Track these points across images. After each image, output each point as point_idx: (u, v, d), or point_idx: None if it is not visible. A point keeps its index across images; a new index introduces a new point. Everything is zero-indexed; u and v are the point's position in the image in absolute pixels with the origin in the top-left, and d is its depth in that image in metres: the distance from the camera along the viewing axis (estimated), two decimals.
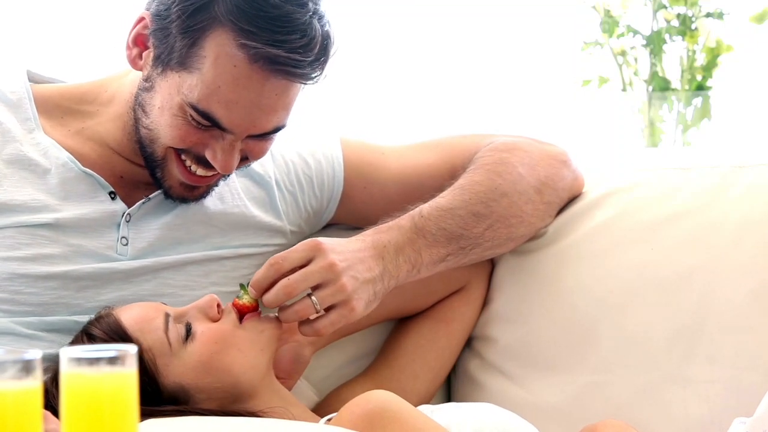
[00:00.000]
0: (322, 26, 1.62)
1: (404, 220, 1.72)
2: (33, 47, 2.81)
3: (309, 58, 1.60)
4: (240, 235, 1.80)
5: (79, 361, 1.03)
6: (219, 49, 1.59)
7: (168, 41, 1.62)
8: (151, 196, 1.74)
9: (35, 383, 1.03)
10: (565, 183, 1.89)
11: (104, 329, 1.58)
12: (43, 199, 1.68)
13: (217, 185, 1.76)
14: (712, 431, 1.71)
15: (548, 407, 1.83)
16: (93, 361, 1.03)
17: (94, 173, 1.71)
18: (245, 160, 1.70)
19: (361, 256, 1.65)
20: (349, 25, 2.86)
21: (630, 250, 1.85)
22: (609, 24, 2.86)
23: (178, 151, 1.67)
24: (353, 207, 1.89)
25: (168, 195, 1.73)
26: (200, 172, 1.68)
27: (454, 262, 1.77)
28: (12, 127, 1.71)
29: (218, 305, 1.64)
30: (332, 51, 1.64)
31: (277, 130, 1.67)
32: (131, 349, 1.05)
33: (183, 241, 1.75)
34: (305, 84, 1.64)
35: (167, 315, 1.60)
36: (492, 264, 1.93)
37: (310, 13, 1.60)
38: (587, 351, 1.83)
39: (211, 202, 1.78)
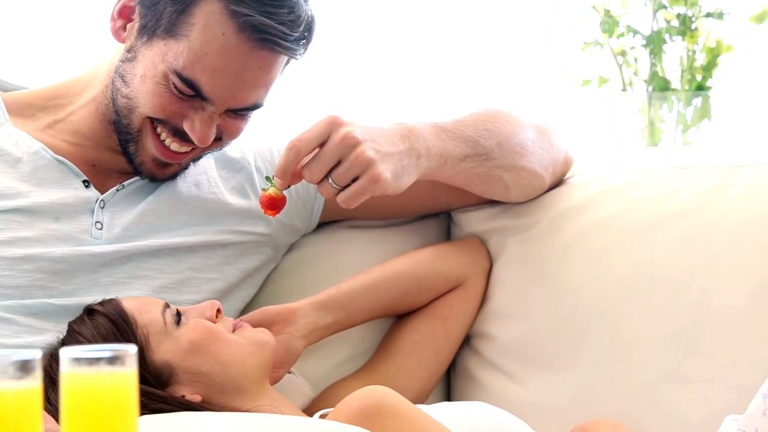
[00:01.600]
0: (308, 9, 1.66)
1: (425, 121, 1.73)
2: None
3: (296, 33, 1.64)
4: (216, 221, 1.81)
5: (79, 361, 1.03)
6: (209, 17, 1.62)
7: (157, 8, 1.65)
8: (125, 183, 1.75)
9: (35, 383, 1.03)
10: (557, 139, 1.91)
11: (106, 308, 1.61)
12: (16, 186, 1.69)
13: (187, 167, 1.77)
14: (711, 430, 1.71)
15: (546, 405, 1.83)
16: (93, 361, 1.03)
17: (67, 161, 1.72)
18: (219, 141, 1.71)
19: (385, 132, 1.64)
20: (345, 22, 2.86)
21: (629, 249, 1.85)
22: (609, 24, 2.86)
23: (155, 124, 1.69)
24: None
25: (138, 172, 1.74)
26: (174, 146, 1.70)
27: (472, 167, 1.77)
28: None
29: (218, 311, 1.66)
30: (314, 35, 1.68)
31: (254, 107, 1.69)
32: (131, 349, 1.05)
33: (157, 228, 1.76)
34: (289, 57, 1.67)
35: (166, 303, 1.64)
36: (491, 261, 1.93)
37: None
38: (586, 349, 1.83)
39: (186, 188, 1.79)
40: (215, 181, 1.82)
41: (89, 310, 1.62)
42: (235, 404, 1.60)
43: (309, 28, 1.66)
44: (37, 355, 1.03)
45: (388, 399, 1.49)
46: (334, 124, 1.59)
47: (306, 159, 1.60)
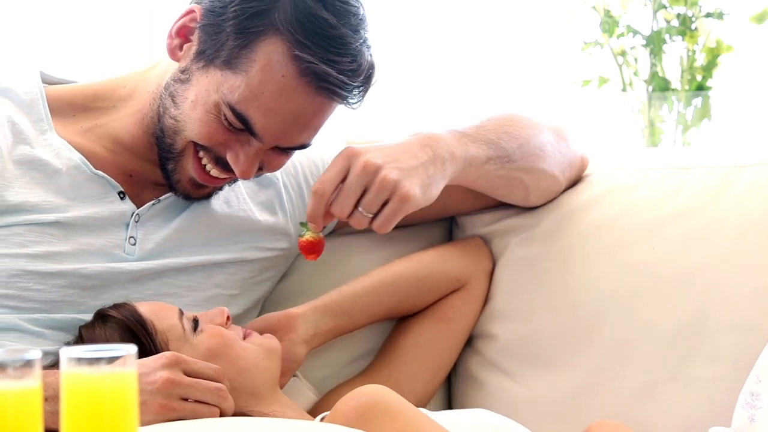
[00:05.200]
0: (370, 56, 1.65)
1: (443, 128, 1.72)
2: (45, 49, 2.81)
3: (355, 83, 1.63)
4: (244, 238, 1.81)
5: (79, 361, 1.03)
6: (271, 57, 1.60)
7: (219, 38, 1.62)
8: (161, 198, 1.74)
9: (35, 383, 1.03)
10: (573, 141, 1.92)
11: (121, 313, 1.60)
12: (53, 200, 1.68)
13: (222, 189, 1.76)
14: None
15: (548, 405, 1.83)
16: (93, 361, 1.03)
17: (105, 174, 1.71)
18: (259, 170, 1.70)
19: (404, 147, 1.64)
20: None
21: (631, 249, 1.85)
22: (609, 24, 2.86)
23: (198, 148, 1.68)
24: None
25: (173, 189, 1.73)
26: (214, 172, 1.69)
27: (494, 170, 1.78)
28: (25, 128, 1.71)
29: (228, 318, 1.66)
30: (373, 81, 1.66)
31: (302, 146, 1.68)
32: (131, 349, 1.05)
33: (189, 245, 1.76)
34: (345, 106, 1.66)
35: (180, 309, 1.63)
36: (493, 262, 1.93)
37: (362, 41, 1.63)
38: (588, 349, 1.83)
39: (218, 206, 1.79)
40: (244, 198, 1.82)
41: (102, 316, 1.61)
42: (249, 407, 1.61)
43: (368, 77, 1.65)
44: (37, 355, 1.03)
45: (383, 397, 1.49)
46: (350, 157, 1.60)
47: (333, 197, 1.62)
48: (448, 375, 1.93)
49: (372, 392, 1.50)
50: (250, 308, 1.83)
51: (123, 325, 1.58)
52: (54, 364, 1.53)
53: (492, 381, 1.89)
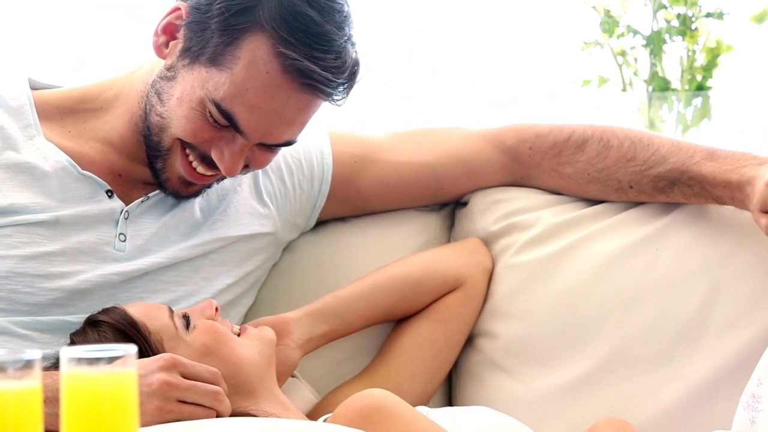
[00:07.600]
0: (354, 53, 1.65)
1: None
2: (33, 55, 2.81)
3: (339, 80, 1.64)
4: (228, 228, 1.81)
5: (79, 361, 1.03)
6: (255, 53, 1.61)
7: (204, 35, 1.63)
8: (149, 195, 1.74)
9: (35, 383, 1.03)
10: None
11: (111, 317, 1.60)
12: (42, 201, 1.68)
13: (210, 187, 1.77)
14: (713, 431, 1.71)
15: (549, 404, 1.83)
16: (93, 361, 1.03)
17: (93, 174, 1.72)
18: (245, 167, 1.71)
19: None
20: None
21: (633, 249, 1.85)
22: (609, 24, 2.86)
23: (185, 146, 1.68)
24: (348, 189, 1.91)
25: (162, 187, 1.74)
26: (201, 169, 1.70)
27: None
28: (12, 134, 1.71)
29: (216, 309, 1.66)
30: (357, 79, 1.67)
31: (287, 143, 1.69)
32: (131, 349, 1.05)
33: (175, 240, 1.76)
34: (330, 102, 1.67)
35: (170, 307, 1.63)
36: (492, 261, 1.93)
37: (346, 38, 1.64)
38: (589, 348, 1.83)
39: (206, 199, 1.80)
40: (231, 186, 1.83)
41: (93, 322, 1.61)
42: (247, 405, 1.61)
43: (353, 74, 1.66)
44: (37, 355, 1.03)
45: (386, 401, 1.49)
46: None
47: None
48: (449, 373, 1.93)
49: (374, 395, 1.50)
50: (241, 294, 1.83)
51: (116, 329, 1.58)
52: (51, 366, 1.53)
53: (493, 379, 1.88)
